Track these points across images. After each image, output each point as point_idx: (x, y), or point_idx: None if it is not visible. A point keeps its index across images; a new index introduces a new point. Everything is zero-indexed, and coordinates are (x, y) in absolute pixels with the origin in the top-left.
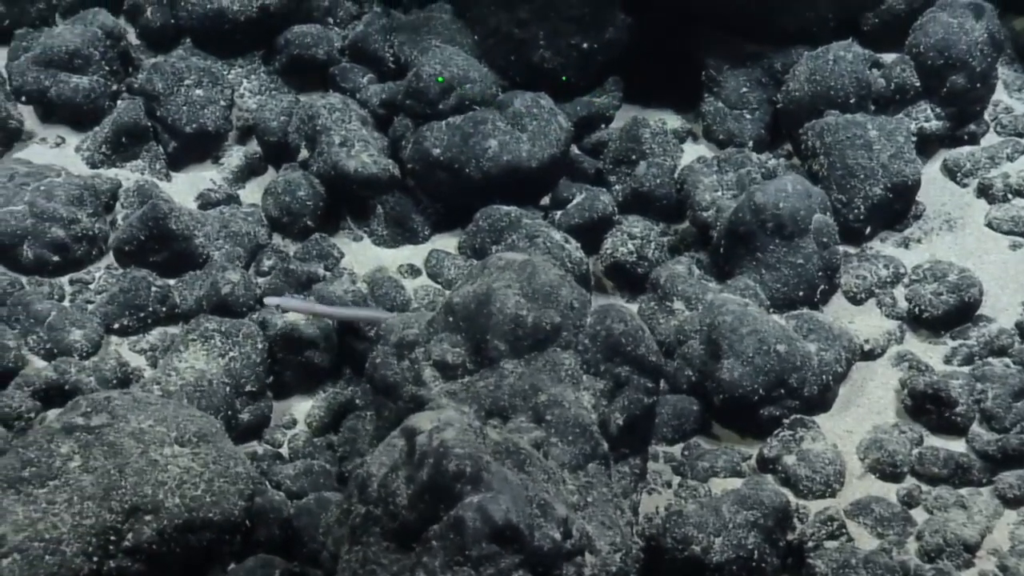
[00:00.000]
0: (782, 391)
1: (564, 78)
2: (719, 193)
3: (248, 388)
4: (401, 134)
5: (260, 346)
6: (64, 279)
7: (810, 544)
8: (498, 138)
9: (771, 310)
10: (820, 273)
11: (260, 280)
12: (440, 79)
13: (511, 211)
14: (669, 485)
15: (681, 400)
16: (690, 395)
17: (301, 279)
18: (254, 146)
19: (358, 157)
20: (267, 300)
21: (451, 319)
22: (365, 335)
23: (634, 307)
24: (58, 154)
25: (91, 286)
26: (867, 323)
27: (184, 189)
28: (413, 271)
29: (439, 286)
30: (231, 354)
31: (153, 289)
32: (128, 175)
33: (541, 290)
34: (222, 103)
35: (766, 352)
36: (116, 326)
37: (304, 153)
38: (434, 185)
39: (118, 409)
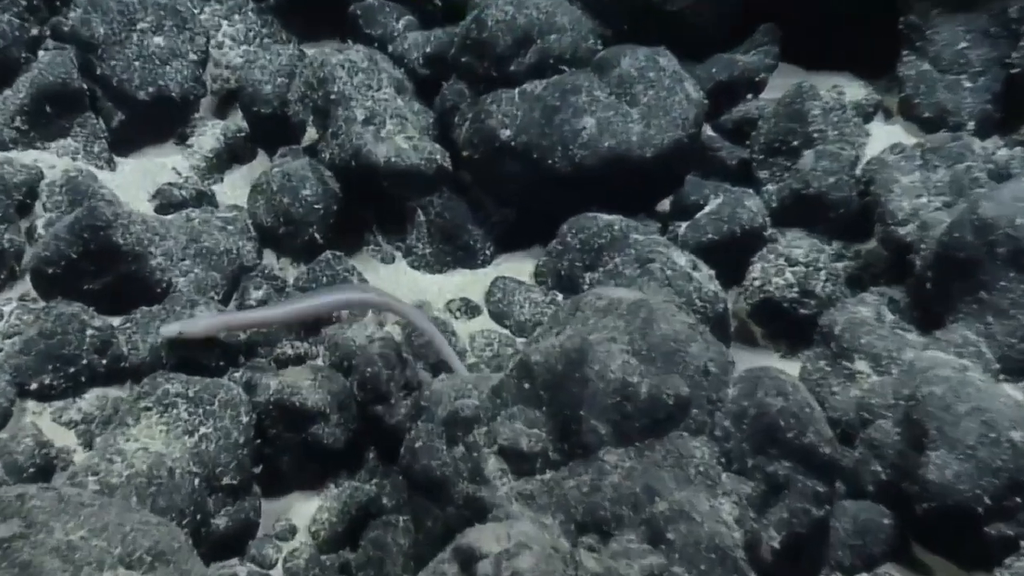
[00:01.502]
0: (1018, 500)
1: (693, 25)
2: (924, 199)
3: (226, 481)
4: (453, 106)
5: (244, 419)
6: None
7: None
8: (597, 114)
9: (1002, 378)
10: None
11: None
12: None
13: (614, 221)
14: None
15: (866, 510)
16: (879, 503)
17: (306, 319)
18: (238, 120)
19: (391, 140)
20: (163, 331)
21: (527, 386)
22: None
23: (794, 368)
24: None
25: None
26: None
27: (135, 182)
28: (469, 309)
29: (507, 332)
30: (202, 430)
31: (88, 332)
32: (53, 161)
33: (660, 345)
34: (192, 57)
35: (994, 442)
36: (33, 386)
37: (311, 133)
38: (502, 182)
39: (36, 513)
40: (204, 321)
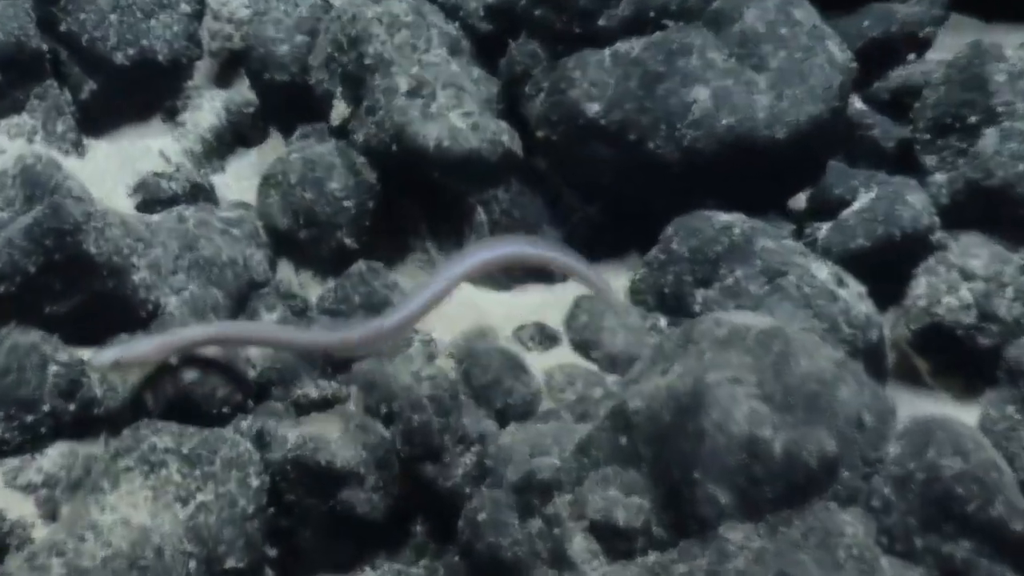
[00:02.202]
0: None
1: None
2: None
3: (231, 563)
4: (524, 72)
5: (255, 482)
6: None
7: None
8: (712, 83)
9: None
10: None
11: (254, 352)
12: None
13: (734, 223)
14: None
15: None
16: None
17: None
18: (244, 90)
19: (443, 118)
20: (95, 361)
21: (624, 440)
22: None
23: (973, 416)
24: None
25: None
26: None
27: (111, 172)
28: (545, 337)
29: (594, 367)
30: (200, 497)
31: (51, 369)
32: (4, 144)
33: (799, 388)
34: (184, 8)
35: None
36: None
37: (340, 108)
38: (587, 171)
39: None
40: (146, 345)
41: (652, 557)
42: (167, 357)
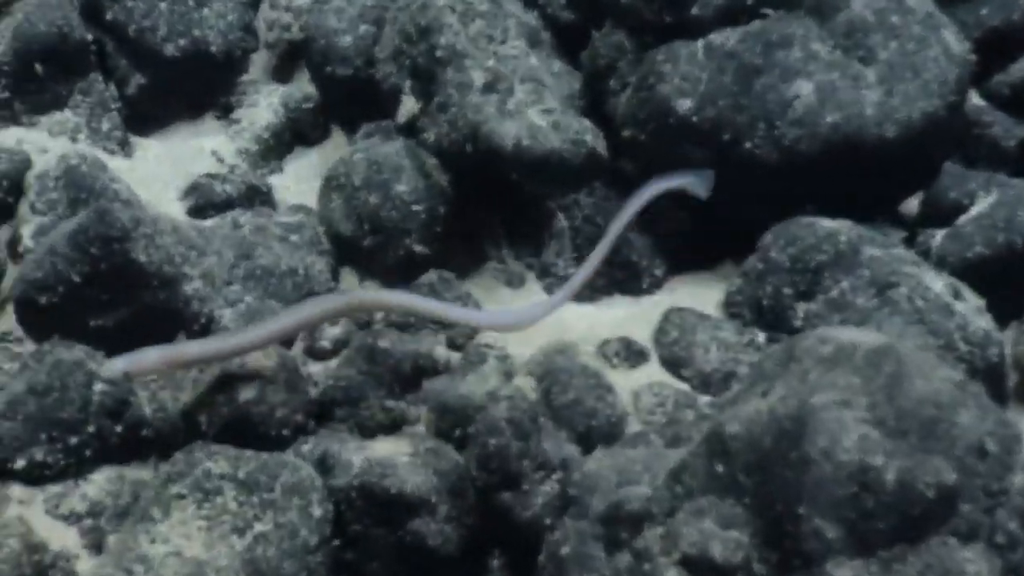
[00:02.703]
0: None
1: None
2: None
3: None
4: (609, 66)
5: (317, 511)
6: None
7: None
8: (815, 77)
9: None
10: None
11: (316, 369)
12: None
13: (839, 230)
14: None
15: None
16: None
17: (402, 366)
18: (304, 85)
19: (521, 115)
20: (103, 371)
21: (721, 468)
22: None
23: None
24: None
25: None
26: None
27: (161, 174)
28: (632, 353)
29: (685, 387)
30: (258, 528)
31: (97, 388)
32: (45, 143)
33: (914, 412)
34: None
35: None
36: (20, 464)
37: (409, 104)
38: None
39: None
40: (157, 354)
41: None
42: (181, 369)
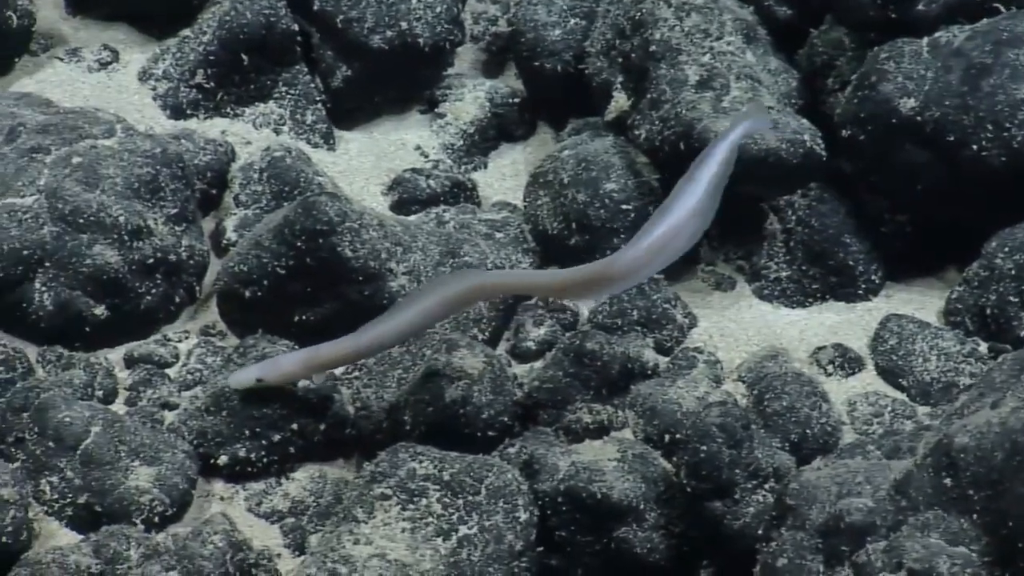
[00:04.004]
0: None
1: None
2: None
3: None
4: (827, 63)
5: (523, 515)
6: (114, 354)
7: None
8: None
9: None
10: None
11: (521, 370)
12: None
13: None
14: None
15: None
16: None
17: (609, 369)
18: (511, 79)
19: (736, 113)
20: (233, 380)
21: (948, 481)
22: None
23: None
24: (105, 84)
25: (170, 372)
26: None
27: (365, 168)
28: (848, 361)
29: (903, 396)
30: (463, 531)
31: (300, 384)
32: (250, 134)
33: None
34: None
35: None
36: (222, 460)
37: (620, 100)
38: (899, 175)
39: None
40: (290, 360)
41: None
42: (315, 374)
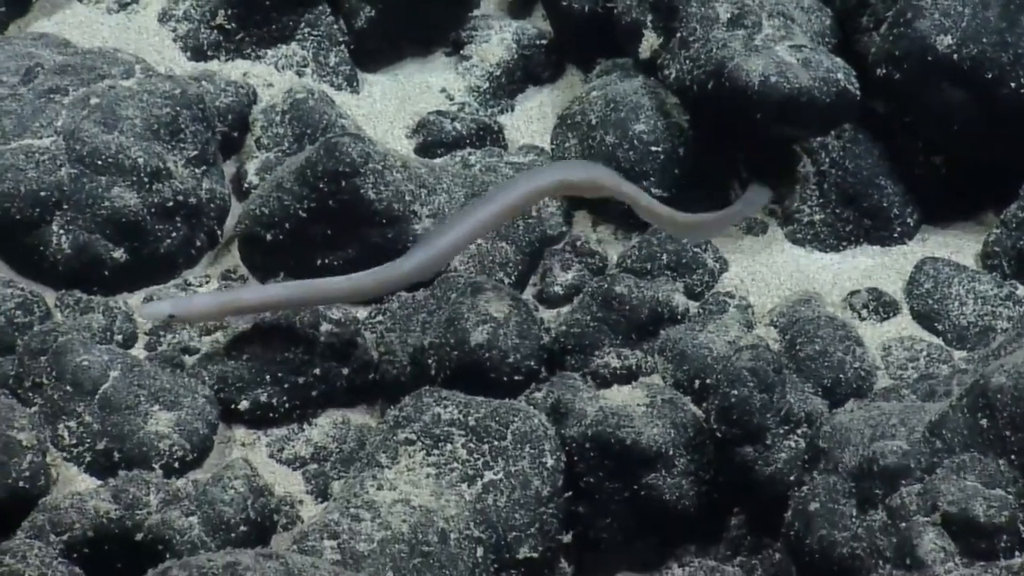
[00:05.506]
0: None
1: None
2: None
3: (524, 553)
4: (861, 1)
5: (549, 460)
6: (133, 298)
7: None
8: None
9: None
10: None
11: (548, 315)
12: None
13: None
14: None
15: None
16: None
17: (638, 314)
18: (538, 20)
19: (769, 51)
20: (144, 311)
21: (985, 423)
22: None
23: None
24: (125, 25)
25: None
26: None
27: (389, 110)
28: (882, 305)
29: (938, 341)
30: (488, 476)
31: (323, 328)
32: (271, 76)
33: None
34: None
35: None
36: (244, 405)
37: (649, 39)
38: (935, 116)
39: None
40: (205, 300)
41: (1019, 560)
42: (228, 317)
